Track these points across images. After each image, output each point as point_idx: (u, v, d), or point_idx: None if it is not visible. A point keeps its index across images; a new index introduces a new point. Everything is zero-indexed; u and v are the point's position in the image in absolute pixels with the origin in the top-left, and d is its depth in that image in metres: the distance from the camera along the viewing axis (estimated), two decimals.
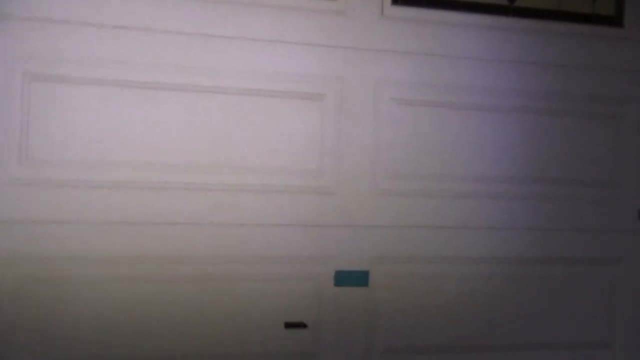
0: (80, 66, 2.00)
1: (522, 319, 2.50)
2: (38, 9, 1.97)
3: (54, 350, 2.04)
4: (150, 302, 2.11)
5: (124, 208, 2.06)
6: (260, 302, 2.20)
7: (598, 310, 2.60)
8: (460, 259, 2.41)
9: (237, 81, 2.14)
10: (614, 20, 2.57)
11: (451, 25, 2.38)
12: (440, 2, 2.37)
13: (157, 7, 2.07)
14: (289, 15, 2.20)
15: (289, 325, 2.19)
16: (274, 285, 2.21)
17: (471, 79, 2.40)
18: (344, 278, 2.29)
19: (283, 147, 2.22)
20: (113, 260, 2.05)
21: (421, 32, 2.36)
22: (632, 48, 2.59)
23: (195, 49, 2.12)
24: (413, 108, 2.35)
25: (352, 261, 2.29)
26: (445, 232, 2.39)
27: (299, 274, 2.24)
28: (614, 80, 2.57)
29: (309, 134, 2.24)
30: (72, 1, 2.00)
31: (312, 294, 2.25)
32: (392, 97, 2.30)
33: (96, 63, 2.02)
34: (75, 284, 2.04)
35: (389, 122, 2.32)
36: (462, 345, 2.42)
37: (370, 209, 2.30)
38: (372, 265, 2.30)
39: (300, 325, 2.20)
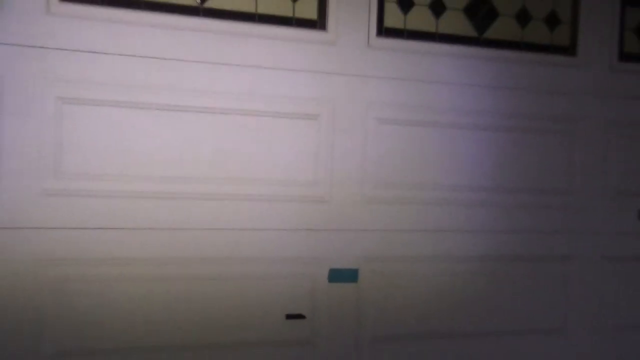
0: (104, 90, 2.10)
1: (490, 309, 2.63)
2: (68, 41, 2.06)
3: (84, 336, 2.14)
4: (168, 296, 2.20)
5: (144, 216, 2.16)
6: (264, 297, 2.31)
7: (553, 300, 2.72)
8: (437, 257, 2.54)
9: (242, 103, 2.25)
10: (569, 50, 2.70)
11: (428, 54, 2.51)
12: (419, 34, 2.48)
13: (171, 39, 2.17)
14: (287, 45, 2.30)
15: (289, 317, 2.31)
16: (276, 282, 2.32)
17: (446, 100, 2.53)
18: (336, 275, 2.40)
19: (282, 160, 2.32)
20: (135, 260, 2.16)
21: (402, 60, 2.47)
22: (584, 74, 2.74)
23: (204, 75, 2.21)
24: (396, 126, 2.47)
25: (343, 261, 2.40)
26: (425, 235, 2.52)
27: (297, 273, 2.35)
28: (568, 102, 2.71)
29: (305, 149, 2.35)
30: (97, 34, 2.09)
31: (309, 290, 2.36)
32: (378, 117, 2.42)
33: (119, 88, 2.12)
34: (103, 280, 2.14)
35: (376, 139, 2.44)
36: (439, 332, 2.55)
37: (359, 215, 2.41)
38: (361, 264, 2.42)
39: (299, 316, 2.32)
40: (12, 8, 1.98)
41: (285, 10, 2.31)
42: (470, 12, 2.57)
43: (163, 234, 2.17)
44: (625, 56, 2.77)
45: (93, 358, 2.12)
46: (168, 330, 2.19)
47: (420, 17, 2.52)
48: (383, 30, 2.42)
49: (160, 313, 2.18)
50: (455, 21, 2.58)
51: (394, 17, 2.47)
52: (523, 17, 2.68)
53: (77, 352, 2.11)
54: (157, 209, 2.17)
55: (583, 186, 2.78)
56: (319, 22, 2.34)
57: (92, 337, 2.11)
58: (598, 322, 2.79)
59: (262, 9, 2.27)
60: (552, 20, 2.70)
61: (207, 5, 2.19)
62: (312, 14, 2.34)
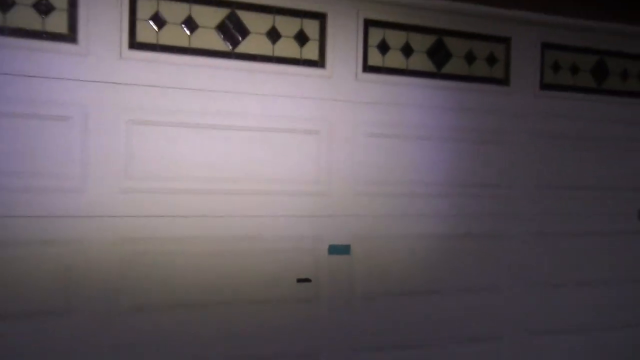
0: (162, 114, 2.36)
1: (446, 272, 2.90)
2: (135, 78, 2.32)
3: (151, 294, 2.38)
4: (211, 266, 2.45)
5: (192, 206, 2.41)
6: (280, 266, 2.55)
7: (490, 266, 2.99)
8: (407, 235, 2.80)
9: (261, 122, 2.50)
10: (504, 81, 3.01)
11: (401, 85, 2.77)
12: (394, 70, 2.76)
13: (211, 75, 2.43)
14: (296, 79, 2.57)
15: (299, 280, 2.56)
16: (289, 255, 2.57)
17: (414, 119, 2.80)
18: (334, 250, 2.64)
19: (292, 165, 2.56)
20: (187, 239, 2.41)
21: (381, 89, 2.73)
22: (513, 99, 3.03)
23: (235, 101, 2.46)
24: (378, 138, 2.73)
25: (339, 238, 2.65)
26: (398, 219, 2.77)
27: (305, 248, 2.60)
28: (501, 119, 3.00)
29: (309, 156, 2.60)
30: (156, 73, 2.35)
31: (314, 261, 2.61)
32: (364, 132, 2.69)
33: (172, 112, 2.38)
34: (166, 254, 2.39)
35: (362, 148, 2.69)
36: (409, 290, 2.82)
37: (350, 205, 2.67)
38: (352, 241, 2.67)
39: (307, 280, 2.57)
40: (95, 55, 2.26)
41: (295, 54, 2.58)
42: (431, 53, 2.84)
43: (206, 220, 2.42)
44: (544, 86, 3.09)
45: (158, 310, 2.39)
46: (211, 290, 2.44)
47: (395, 58, 2.78)
48: (367, 68, 2.70)
49: (206, 278, 2.42)
50: (420, 60, 2.82)
51: (376, 58, 2.73)
52: (470, 58, 2.93)
53: (146, 306, 2.37)
54: (200, 202, 2.41)
55: (511, 181, 3.04)
56: (319, 62, 2.62)
57: (156, 295, 2.37)
58: (523, 281, 3.08)
59: (278, 53, 2.55)
60: (491, 60, 2.98)
61: (237, 50, 2.48)
62: (314, 56, 2.62)
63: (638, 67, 3.36)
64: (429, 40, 2.86)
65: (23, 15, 2.20)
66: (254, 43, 2.54)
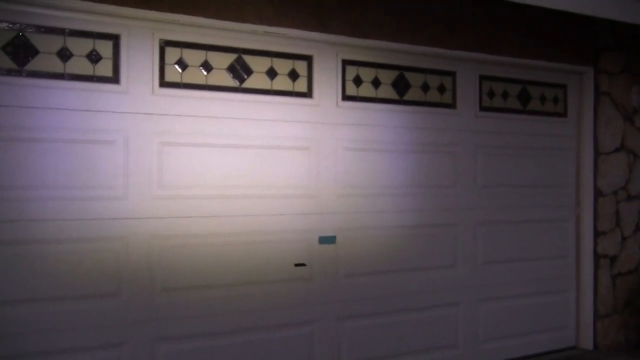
0: (186, 137, 2.51)
1: (412, 255, 3.07)
2: (165, 109, 2.47)
3: (180, 278, 2.46)
4: (229, 254, 2.58)
5: (212, 208, 2.55)
6: (281, 254, 2.69)
7: (448, 249, 3.21)
8: (380, 227, 2.97)
9: (263, 142, 2.67)
10: (452, 105, 3.18)
11: (371, 110, 2.96)
12: (366, 98, 2.93)
13: (224, 105, 2.58)
14: (289, 107, 2.75)
15: (297, 265, 2.72)
16: (288, 245, 2.72)
17: (382, 136, 2.99)
18: (323, 240, 2.80)
19: (289, 174, 2.72)
20: (208, 234, 2.54)
21: (356, 113, 2.92)
22: (460, 119, 3.26)
23: (243, 125, 2.62)
24: (354, 152, 2.91)
25: (326, 231, 2.81)
26: (372, 214, 2.94)
27: (300, 239, 2.75)
28: (452, 135, 3.22)
29: (301, 167, 2.76)
30: (182, 104, 2.48)
31: (307, 249, 2.77)
32: (344, 147, 2.88)
33: (195, 135, 2.53)
34: (191, 247, 2.51)
35: (343, 160, 2.88)
36: (382, 270, 2.98)
37: (334, 204, 2.84)
38: (337, 232, 2.84)
39: (302, 264, 2.73)
40: (133, 92, 2.40)
41: (288, 87, 2.76)
42: (394, 85, 3.04)
43: (221, 219, 2.56)
44: (483, 109, 3.33)
45: (185, 290, 2.50)
46: (226, 274, 2.57)
47: (367, 89, 2.96)
48: (345, 97, 2.90)
49: (222, 264, 2.56)
50: (386, 90, 3.01)
51: (352, 89, 2.93)
52: (425, 87, 3.13)
53: (176, 287, 2.49)
54: (217, 205, 2.56)
55: (462, 182, 3.26)
56: (308, 93, 2.80)
57: (183, 279, 2.49)
58: (472, 260, 3.29)
59: (275, 87, 2.73)
60: (441, 89, 3.21)
61: (243, 85, 2.66)
62: (304, 89, 2.81)
63: (553, 93, 3.66)
64: (392, 75, 3.06)
65: (78, 63, 2.40)
66: (257, 80, 2.71)
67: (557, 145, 3.61)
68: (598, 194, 3.65)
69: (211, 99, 2.59)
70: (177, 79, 2.55)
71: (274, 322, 2.71)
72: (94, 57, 2.40)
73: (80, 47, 2.36)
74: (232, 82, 2.66)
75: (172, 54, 2.55)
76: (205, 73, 2.61)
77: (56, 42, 2.31)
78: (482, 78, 3.35)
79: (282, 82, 2.76)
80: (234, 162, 2.62)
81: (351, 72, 2.93)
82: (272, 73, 2.75)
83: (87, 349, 2.35)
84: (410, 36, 2.97)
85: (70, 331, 2.33)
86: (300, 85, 2.81)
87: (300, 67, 2.81)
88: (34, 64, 2.28)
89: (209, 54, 2.62)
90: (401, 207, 3.04)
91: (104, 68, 2.41)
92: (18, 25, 2.24)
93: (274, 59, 2.75)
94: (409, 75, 3.09)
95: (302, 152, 2.78)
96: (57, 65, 2.32)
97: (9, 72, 2.23)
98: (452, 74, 3.23)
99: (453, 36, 3.10)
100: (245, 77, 2.68)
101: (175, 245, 2.52)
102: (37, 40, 2.28)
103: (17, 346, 2.21)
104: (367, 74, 2.98)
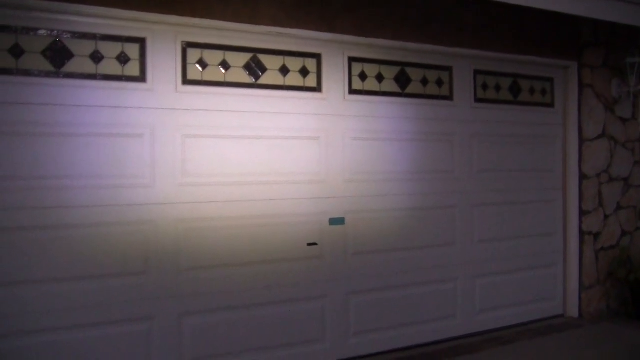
0: (207, 129, 2.44)
1: (415, 235, 2.98)
2: (188, 104, 2.39)
3: (202, 257, 2.40)
4: (246, 235, 2.51)
5: (230, 194, 2.48)
6: (295, 234, 2.64)
7: (447, 228, 3.11)
8: (385, 209, 2.89)
9: (277, 133, 2.60)
10: (449, 97, 3.09)
11: (375, 102, 2.88)
12: (371, 92, 2.83)
13: (242, 100, 2.51)
14: (301, 101, 2.66)
15: (309, 244, 2.66)
16: (301, 226, 2.66)
17: (386, 126, 2.88)
18: (333, 221, 2.73)
19: (301, 162, 2.65)
20: (227, 217, 2.47)
21: (362, 106, 2.83)
22: (456, 110, 3.15)
23: (259, 118, 2.55)
24: (360, 141, 2.82)
25: (336, 213, 2.74)
26: (377, 198, 2.85)
27: (312, 221, 2.69)
28: (449, 125, 3.12)
29: (313, 156, 2.69)
30: (203, 100, 2.42)
31: (319, 229, 2.70)
32: (350, 137, 2.80)
33: (215, 128, 2.46)
34: (212, 229, 2.45)
35: (350, 149, 2.79)
36: (388, 248, 2.90)
37: (343, 189, 2.77)
38: (346, 214, 2.77)
39: (314, 244, 2.68)
40: (159, 90, 2.34)
41: (300, 83, 2.68)
42: (397, 79, 2.95)
43: (240, 204, 2.51)
44: (478, 100, 3.22)
45: (207, 269, 2.43)
46: (245, 254, 2.51)
47: (371, 83, 2.88)
48: (352, 91, 2.80)
49: (241, 245, 2.51)
50: (389, 85, 2.93)
51: (357, 84, 2.84)
52: (425, 81, 3.01)
53: (199, 266, 2.42)
54: (236, 191, 2.50)
55: (459, 168, 3.17)
56: (317, 88, 2.72)
57: (206, 258, 2.44)
58: (469, 238, 3.19)
59: (288, 83, 2.65)
60: (439, 83, 3.09)
61: (259, 82, 2.58)
62: (314, 84, 2.72)
63: (541, 85, 3.57)
64: (395, 70, 2.98)
65: (109, 65, 2.35)
66: (271, 77, 2.65)
67: (545, 133, 3.51)
68: (583, 177, 3.57)
69: (229, 95, 2.54)
70: (198, 77, 2.50)
71: (289, 296, 2.67)
72: (122, 59, 2.35)
73: (111, 50, 2.32)
74: (248, 79, 2.60)
75: (193, 54, 2.49)
76: (223, 71, 2.55)
77: (89, 46, 2.28)
78: (477, 72, 3.26)
79: (293, 78, 2.70)
80: (250, 152, 2.57)
81: (357, 68, 2.87)
82: (284, 70, 2.68)
83: (122, 321, 2.31)
84: (410, 35, 2.92)
85: (106, 306, 2.30)
86: (311, 80, 2.74)
87: (310, 64, 2.74)
88: (70, 66, 2.25)
89: (226, 53, 2.56)
90: (404, 191, 3.00)
91: (132, 68, 2.37)
92: (55, 32, 2.23)
93: (286, 57, 2.69)
94: (409, 71, 3.02)
95: (313, 142, 2.72)
96: (90, 67, 2.28)
97: (48, 74, 2.21)
98: (449, 69, 3.16)
99: (450, 35, 3.04)
100: (260, 74, 2.62)
101: (198, 228, 2.48)
102: (72, 45, 2.25)
103: (63, 320, 2.20)
104: (371, 70, 2.91)
